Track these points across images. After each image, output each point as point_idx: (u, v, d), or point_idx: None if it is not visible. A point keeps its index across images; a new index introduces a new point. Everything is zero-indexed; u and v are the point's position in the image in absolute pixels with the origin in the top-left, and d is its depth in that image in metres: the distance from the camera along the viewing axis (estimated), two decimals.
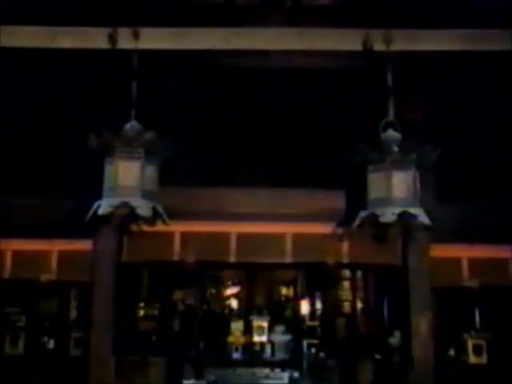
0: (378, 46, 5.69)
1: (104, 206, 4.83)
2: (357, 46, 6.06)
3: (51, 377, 7.38)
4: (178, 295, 10.59)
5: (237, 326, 8.88)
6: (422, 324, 6.82)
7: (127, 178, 4.91)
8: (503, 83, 6.85)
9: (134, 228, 5.55)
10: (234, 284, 11.55)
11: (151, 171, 5.04)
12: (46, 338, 8.45)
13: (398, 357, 7.92)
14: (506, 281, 7.15)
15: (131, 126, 5.03)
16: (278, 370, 7.84)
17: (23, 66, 6.73)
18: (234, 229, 7.24)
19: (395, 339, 8.10)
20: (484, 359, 7.59)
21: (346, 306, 10.93)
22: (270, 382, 7.40)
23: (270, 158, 7.40)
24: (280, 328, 8.98)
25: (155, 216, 5.08)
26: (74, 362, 7.69)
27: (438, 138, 5.57)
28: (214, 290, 11.48)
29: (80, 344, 7.91)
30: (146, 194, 4.94)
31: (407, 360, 6.90)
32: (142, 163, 4.94)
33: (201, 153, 7.35)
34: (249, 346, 8.72)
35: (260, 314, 9.37)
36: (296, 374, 7.69)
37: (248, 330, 8.94)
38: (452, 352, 7.93)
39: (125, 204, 4.83)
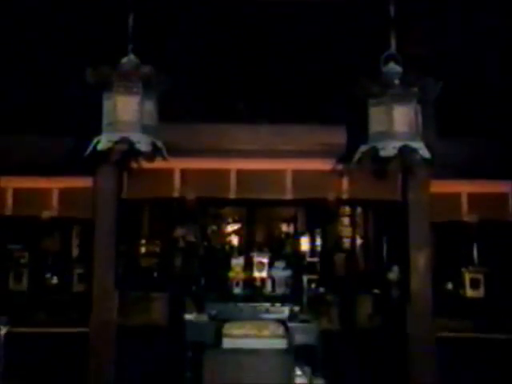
0: None
1: (103, 142, 4.81)
2: None
3: (55, 312, 7.51)
4: (178, 232, 10.71)
5: (237, 262, 8.99)
6: (421, 259, 6.89)
7: (126, 112, 4.87)
8: (505, 16, 6.73)
9: (134, 165, 5.55)
10: (234, 221, 11.67)
11: (150, 106, 4.99)
12: (49, 275, 8.59)
13: (396, 291, 8.06)
14: (504, 216, 7.19)
15: (128, 59, 4.96)
16: (278, 305, 7.97)
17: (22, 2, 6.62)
18: (233, 165, 7.24)
19: (394, 274, 8.22)
20: (481, 292, 7.73)
21: (346, 242, 11.08)
22: (270, 315, 7.53)
23: (270, 93, 7.33)
24: (280, 264, 9.09)
25: (155, 152, 5.06)
26: (77, 298, 7.83)
27: (440, 73, 5.49)
28: (214, 227, 11.60)
29: (83, 280, 8.04)
30: (145, 129, 4.91)
31: (405, 294, 6.99)
32: (141, 98, 4.89)
33: (201, 89, 7.29)
34: (249, 282, 8.85)
35: (260, 250, 9.48)
36: (296, 308, 7.81)
37: (249, 265, 9.06)
38: (450, 286, 8.08)
39: (124, 139, 4.80)
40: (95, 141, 4.88)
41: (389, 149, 4.67)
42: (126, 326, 7.11)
